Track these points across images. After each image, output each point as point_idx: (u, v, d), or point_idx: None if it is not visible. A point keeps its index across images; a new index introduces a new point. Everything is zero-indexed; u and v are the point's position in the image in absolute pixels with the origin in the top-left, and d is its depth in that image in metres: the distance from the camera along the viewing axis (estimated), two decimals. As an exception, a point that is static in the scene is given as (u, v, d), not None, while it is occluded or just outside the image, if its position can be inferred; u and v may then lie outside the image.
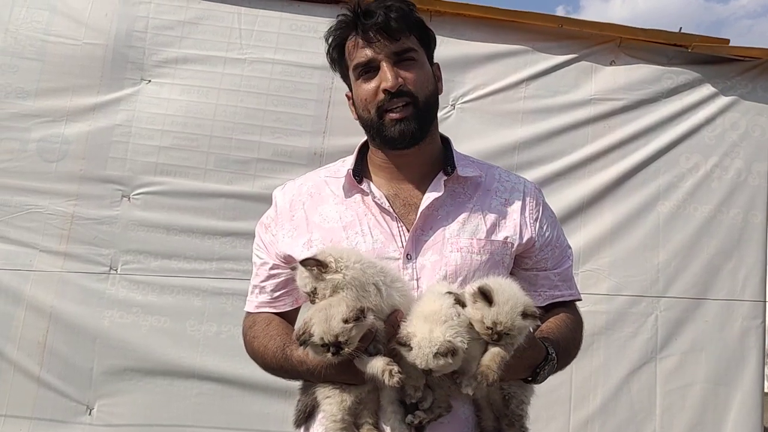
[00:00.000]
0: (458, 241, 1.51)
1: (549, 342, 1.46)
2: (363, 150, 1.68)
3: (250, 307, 1.66)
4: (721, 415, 3.03)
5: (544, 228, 1.61)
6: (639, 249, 3.10)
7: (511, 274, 1.57)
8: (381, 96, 1.52)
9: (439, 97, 1.64)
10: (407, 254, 1.50)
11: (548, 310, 1.60)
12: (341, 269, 1.32)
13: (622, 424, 3.01)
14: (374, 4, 1.53)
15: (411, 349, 1.26)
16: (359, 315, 1.25)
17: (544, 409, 2.93)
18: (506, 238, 1.55)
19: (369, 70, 1.54)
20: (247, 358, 1.62)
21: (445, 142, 1.68)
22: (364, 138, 1.67)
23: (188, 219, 3.00)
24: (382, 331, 1.34)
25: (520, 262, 1.61)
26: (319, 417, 1.44)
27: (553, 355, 1.44)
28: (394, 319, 1.35)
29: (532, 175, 2.95)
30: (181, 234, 2.99)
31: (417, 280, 1.48)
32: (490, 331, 1.29)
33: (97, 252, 2.97)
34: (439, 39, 1.69)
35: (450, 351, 1.24)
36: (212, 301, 2.96)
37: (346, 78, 1.65)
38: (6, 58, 3.04)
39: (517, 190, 1.64)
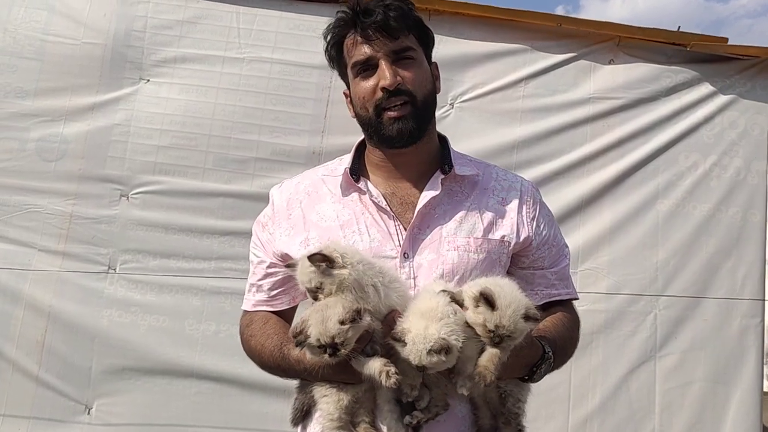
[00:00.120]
0: (455, 240, 1.51)
1: (546, 341, 1.46)
2: (360, 148, 1.68)
3: (247, 305, 1.66)
4: (720, 414, 3.03)
5: (541, 227, 1.61)
6: (638, 248, 3.10)
7: (508, 272, 1.57)
8: (379, 94, 1.51)
9: (438, 96, 1.64)
10: (404, 253, 1.50)
11: (545, 308, 1.60)
12: (347, 264, 1.32)
13: (621, 422, 3.01)
14: (373, 2, 1.53)
15: (405, 344, 1.26)
16: (356, 316, 1.25)
17: (543, 407, 2.93)
18: (503, 236, 1.55)
19: (367, 68, 1.54)
20: (245, 357, 1.62)
21: (443, 141, 1.68)
22: (363, 137, 1.67)
23: (187, 218, 3.00)
24: (380, 332, 1.34)
25: (517, 261, 1.61)
26: (316, 416, 1.44)
27: (550, 354, 1.44)
28: (390, 318, 1.35)
29: (530, 174, 2.95)
30: (180, 233, 2.99)
31: (414, 278, 1.48)
32: (492, 334, 1.29)
33: (95, 251, 2.97)
34: (437, 38, 1.69)
35: (444, 348, 1.24)
36: (211, 301, 2.96)
37: (344, 76, 1.65)
38: (5, 57, 3.04)
39: (514, 189, 1.63)
